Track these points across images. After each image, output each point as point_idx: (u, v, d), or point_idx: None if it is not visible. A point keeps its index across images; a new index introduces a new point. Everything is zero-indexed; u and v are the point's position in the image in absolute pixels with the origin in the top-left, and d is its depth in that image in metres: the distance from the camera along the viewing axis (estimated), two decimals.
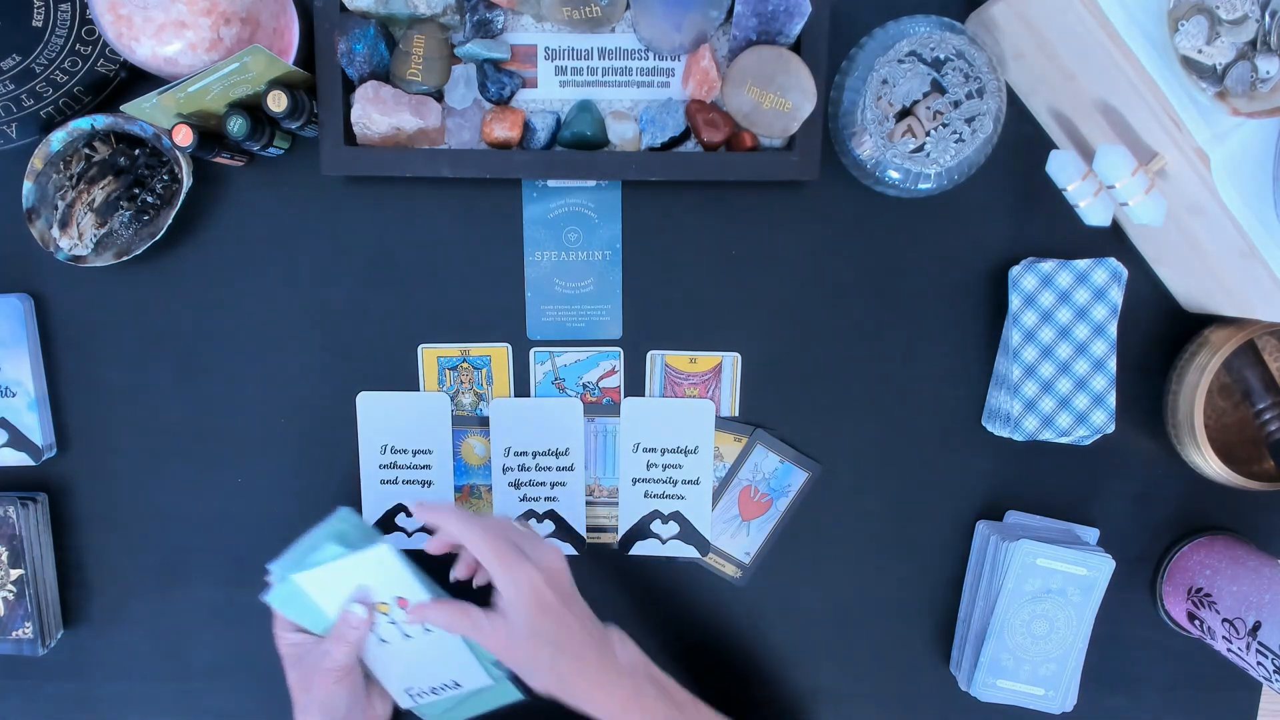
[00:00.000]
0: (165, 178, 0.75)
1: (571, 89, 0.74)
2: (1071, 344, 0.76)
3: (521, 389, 0.80)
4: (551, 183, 0.77)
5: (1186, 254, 0.74)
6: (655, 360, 0.80)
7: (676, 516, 0.82)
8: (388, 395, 0.80)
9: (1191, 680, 0.86)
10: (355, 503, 0.81)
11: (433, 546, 0.66)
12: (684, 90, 0.74)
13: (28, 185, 0.73)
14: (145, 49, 0.64)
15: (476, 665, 0.68)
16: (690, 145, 0.75)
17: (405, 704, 0.71)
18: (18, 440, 0.77)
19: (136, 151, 0.74)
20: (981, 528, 0.82)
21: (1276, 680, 0.71)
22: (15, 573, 0.77)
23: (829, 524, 0.83)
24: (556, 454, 0.81)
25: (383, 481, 0.81)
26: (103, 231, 0.75)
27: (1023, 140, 0.78)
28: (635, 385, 0.81)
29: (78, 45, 0.70)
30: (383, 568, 0.64)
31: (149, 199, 0.75)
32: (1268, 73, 0.64)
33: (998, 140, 0.72)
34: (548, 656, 0.61)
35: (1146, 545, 0.84)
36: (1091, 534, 0.83)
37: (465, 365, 0.80)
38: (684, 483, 0.81)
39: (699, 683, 0.77)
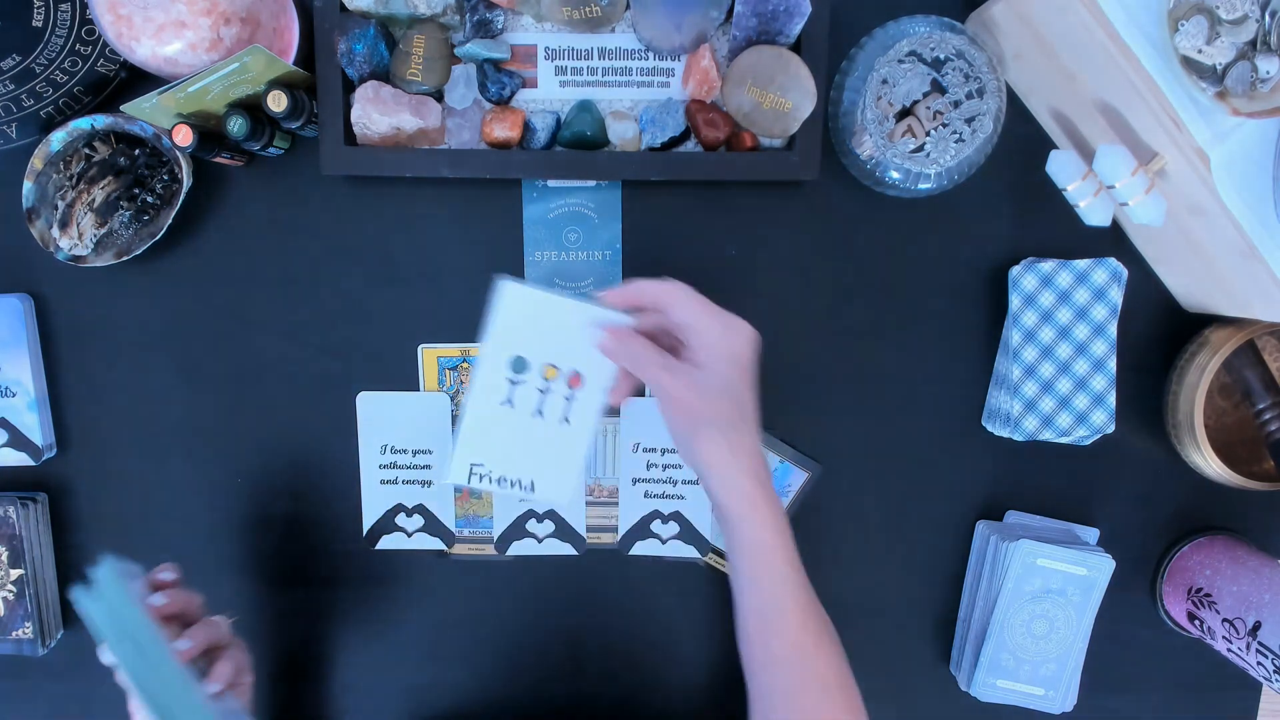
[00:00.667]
0: (165, 178, 0.75)
1: (571, 89, 0.74)
2: (1071, 344, 0.76)
3: None
4: (551, 183, 0.77)
5: (1186, 254, 0.74)
6: None
7: (676, 516, 0.82)
8: (388, 395, 0.80)
9: (1191, 680, 0.86)
10: (355, 502, 0.81)
11: (644, 323, 0.62)
12: (684, 90, 0.74)
13: (28, 185, 0.73)
14: (145, 49, 0.64)
15: (570, 479, 0.65)
16: (690, 145, 0.75)
17: (459, 477, 0.65)
18: (18, 440, 0.77)
19: (136, 151, 0.74)
20: (981, 528, 0.82)
21: (1276, 680, 0.71)
22: (15, 573, 0.77)
23: (829, 524, 0.83)
24: None
25: (383, 481, 0.81)
26: (103, 231, 0.75)
27: (1023, 140, 0.78)
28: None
29: (78, 45, 0.70)
30: (576, 320, 0.62)
31: (149, 199, 0.75)
32: (1268, 73, 0.64)
33: (998, 140, 0.72)
34: (727, 417, 0.59)
35: (1146, 545, 0.84)
36: (1091, 534, 0.83)
37: (465, 365, 0.80)
38: (684, 483, 0.81)
39: (700, 681, 0.77)
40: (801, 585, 0.62)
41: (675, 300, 0.61)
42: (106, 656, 0.59)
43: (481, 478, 0.65)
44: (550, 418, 0.63)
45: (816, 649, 0.61)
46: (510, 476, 0.65)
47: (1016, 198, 0.79)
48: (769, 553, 0.61)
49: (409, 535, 0.81)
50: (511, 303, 0.62)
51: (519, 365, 0.63)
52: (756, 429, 0.61)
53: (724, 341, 0.59)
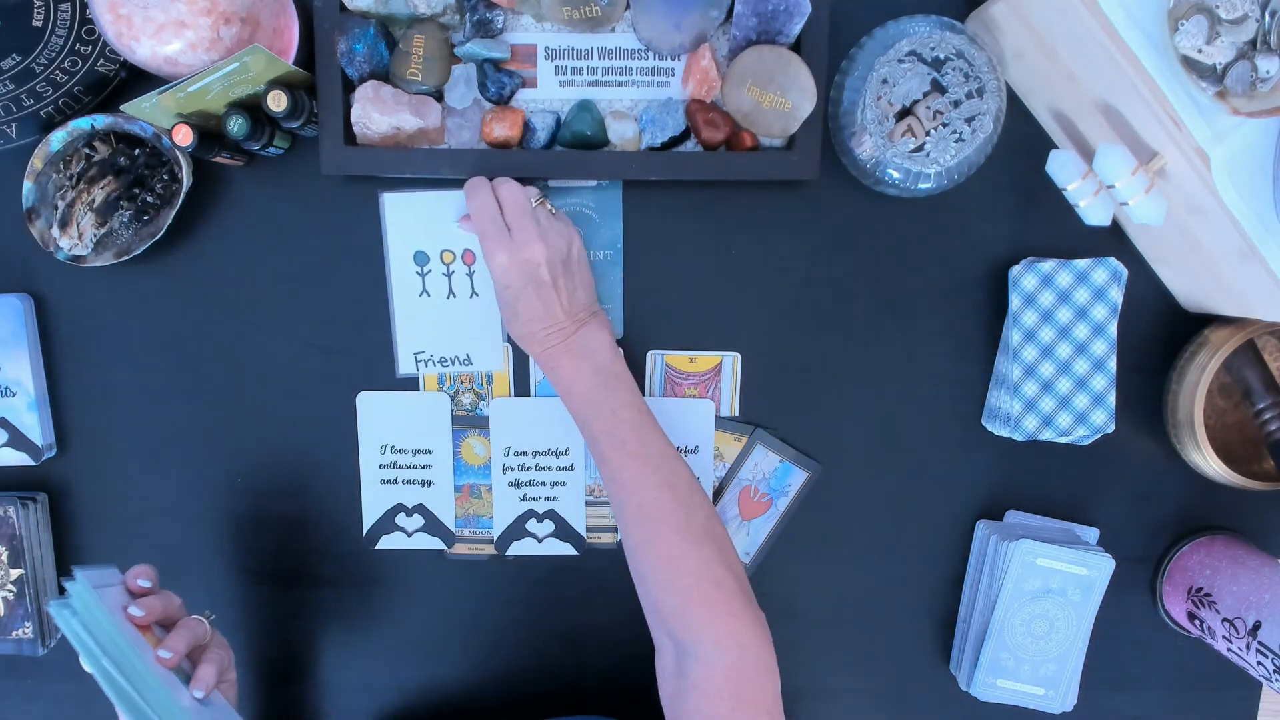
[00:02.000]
0: (165, 178, 0.75)
1: (571, 89, 0.74)
2: (1071, 344, 0.76)
3: (521, 389, 0.80)
4: (552, 183, 0.77)
5: (1186, 254, 0.74)
6: (655, 360, 0.80)
7: None
8: (388, 395, 0.80)
9: (1191, 680, 0.86)
10: (355, 502, 0.81)
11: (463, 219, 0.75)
12: (684, 90, 0.74)
13: (28, 185, 0.73)
14: (145, 49, 0.64)
15: (497, 344, 0.78)
16: (690, 145, 0.75)
17: (407, 369, 0.78)
18: (18, 440, 0.77)
19: (136, 151, 0.74)
20: (981, 528, 0.82)
21: (1276, 680, 0.71)
22: (15, 573, 0.77)
23: (829, 524, 0.83)
24: (556, 454, 0.81)
25: (383, 481, 0.81)
26: (103, 231, 0.75)
27: (1023, 140, 0.78)
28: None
29: (78, 45, 0.70)
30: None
31: (149, 199, 0.75)
32: (1268, 72, 0.64)
33: (998, 140, 0.72)
34: (507, 319, 0.71)
35: (1146, 545, 0.84)
36: (1091, 534, 0.83)
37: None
38: None
39: None
40: (599, 419, 0.69)
41: (471, 213, 0.70)
42: (87, 667, 0.60)
43: (426, 363, 0.78)
44: (462, 295, 0.75)
45: (638, 478, 0.67)
46: (448, 355, 0.78)
47: (1016, 198, 0.79)
48: (568, 398, 0.71)
49: (409, 535, 0.81)
50: (396, 210, 0.75)
51: (420, 258, 0.75)
52: (544, 323, 0.70)
53: (488, 263, 0.69)
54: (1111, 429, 0.77)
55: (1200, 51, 0.64)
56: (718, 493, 0.82)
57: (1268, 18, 0.64)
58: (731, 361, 0.80)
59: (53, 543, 0.80)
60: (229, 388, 0.79)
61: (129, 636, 0.60)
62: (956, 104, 0.71)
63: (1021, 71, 0.75)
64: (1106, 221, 0.72)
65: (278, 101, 0.68)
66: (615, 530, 0.82)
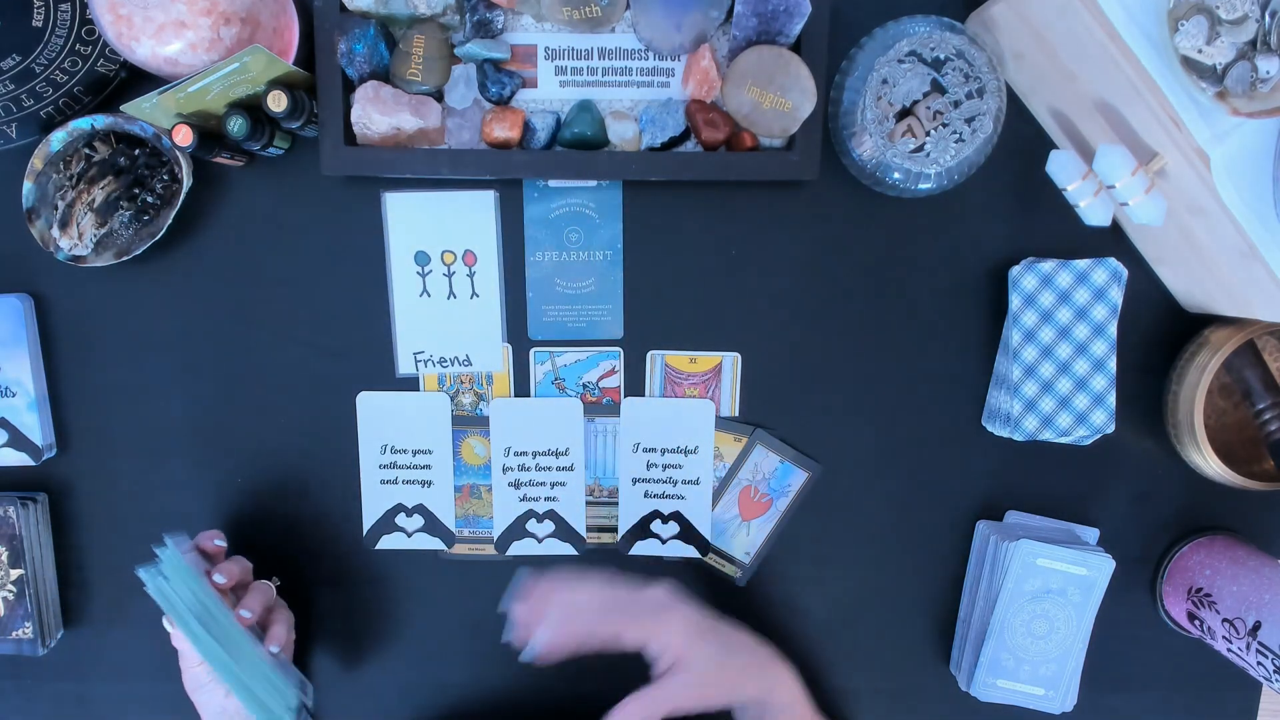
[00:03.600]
0: (165, 178, 0.75)
1: (571, 89, 0.74)
2: (1071, 344, 0.76)
3: (521, 389, 0.80)
4: (552, 183, 0.77)
5: (1186, 254, 0.74)
6: (655, 360, 0.80)
7: (676, 516, 0.82)
8: (388, 395, 0.80)
9: (1191, 680, 0.86)
10: (355, 502, 0.81)
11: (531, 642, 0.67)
12: (684, 90, 0.74)
13: (28, 185, 0.73)
14: (145, 49, 0.64)
15: (497, 344, 0.77)
16: (690, 145, 0.75)
17: (407, 369, 0.78)
18: (18, 440, 0.77)
19: (136, 151, 0.74)
20: (981, 528, 0.82)
21: (1276, 680, 0.71)
22: (15, 573, 0.77)
23: (829, 524, 0.83)
24: (556, 454, 0.81)
25: (383, 481, 0.81)
26: (103, 231, 0.75)
27: (1023, 140, 0.78)
28: (635, 385, 0.81)
29: (78, 45, 0.70)
30: (478, 213, 0.75)
31: (149, 199, 0.75)
32: (1268, 73, 0.64)
33: (998, 140, 0.72)
34: (736, 673, 0.68)
35: (1146, 545, 0.84)
36: (1091, 534, 0.83)
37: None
38: (684, 483, 0.81)
39: None
40: None
41: (594, 627, 0.66)
42: (171, 628, 0.68)
43: (426, 363, 0.78)
44: (462, 296, 0.75)
45: None
46: (448, 355, 0.78)
47: (1016, 198, 0.79)
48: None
49: (409, 535, 0.81)
50: (398, 209, 0.76)
51: (421, 258, 0.75)
52: (754, 662, 0.71)
53: (669, 639, 0.67)
54: (1111, 429, 0.77)
55: (1200, 52, 0.64)
56: (718, 493, 0.82)
57: (1268, 18, 0.64)
58: (731, 361, 0.80)
59: (53, 543, 0.80)
60: (229, 388, 0.79)
61: (214, 598, 0.68)
62: (956, 104, 0.71)
63: (1021, 71, 0.75)
64: (1106, 222, 0.72)
65: (278, 102, 0.68)
66: (615, 530, 0.82)
